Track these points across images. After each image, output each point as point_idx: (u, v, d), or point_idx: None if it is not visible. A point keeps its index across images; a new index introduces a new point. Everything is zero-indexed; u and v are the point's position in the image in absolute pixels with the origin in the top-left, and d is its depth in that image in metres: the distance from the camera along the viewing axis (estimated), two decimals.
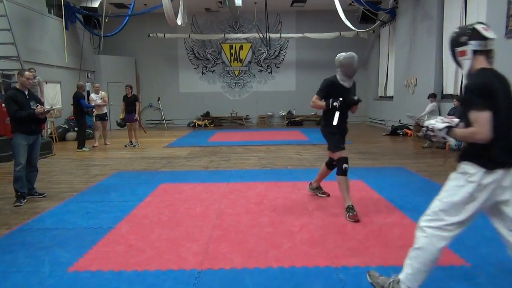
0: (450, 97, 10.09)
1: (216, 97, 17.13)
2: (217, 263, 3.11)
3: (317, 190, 5.08)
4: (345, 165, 4.25)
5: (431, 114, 10.07)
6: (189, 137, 12.68)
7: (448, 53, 2.49)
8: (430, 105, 10.02)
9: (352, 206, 4.17)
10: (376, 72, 15.93)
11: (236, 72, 17.25)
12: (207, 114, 17.05)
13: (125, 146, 10.37)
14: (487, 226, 3.83)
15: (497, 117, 2.19)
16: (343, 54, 4.28)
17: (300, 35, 15.71)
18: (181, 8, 11.58)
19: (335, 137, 4.40)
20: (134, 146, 10.29)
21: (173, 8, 10.82)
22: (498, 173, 2.23)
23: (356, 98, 4.32)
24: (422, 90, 11.24)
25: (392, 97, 14.15)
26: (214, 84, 17.30)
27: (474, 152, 2.29)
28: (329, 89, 4.31)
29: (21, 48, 9.55)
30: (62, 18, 12.34)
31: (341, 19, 13.21)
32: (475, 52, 2.33)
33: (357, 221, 4.03)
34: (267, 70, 17.24)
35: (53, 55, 12.19)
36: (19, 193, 4.98)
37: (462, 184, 2.34)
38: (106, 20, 13.26)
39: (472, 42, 2.32)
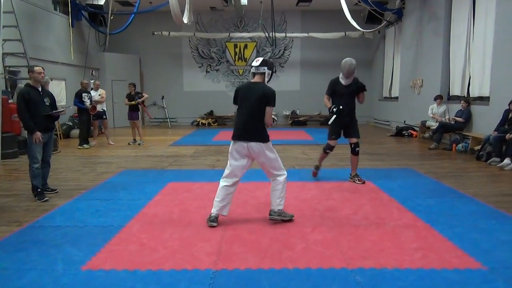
0: (456, 98, 10.06)
1: (220, 96, 17.07)
2: (231, 263, 3.09)
3: (355, 177, 5.89)
4: (328, 150, 5.84)
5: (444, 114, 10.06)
6: (193, 136, 12.66)
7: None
8: (444, 107, 10.04)
9: (319, 166, 6.03)
10: (381, 72, 15.88)
11: (241, 71, 17.21)
12: (211, 113, 17.02)
13: (129, 144, 10.37)
14: (501, 229, 3.84)
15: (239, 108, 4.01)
16: (345, 59, 5.51)
17: (305, 34, 15.66)
18: (187, 6, 11.55)
19: (331, 127, 5.73)
20: (138, 144, 10.28)
21: (179, 6, 10.79)
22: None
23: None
24: (428, 91, 11.20)
25: (397, 97, 14.11)
26: (218, 83, 17.27)
27: None
28: (333, 87, 5.63)
29: (27, 45, 9.54)
30: (68, 15, 12.33)
31: (347, 19, 13.18)
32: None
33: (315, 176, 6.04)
34: None
35: (59, 52, 12.18)
36: (39, 190, 4.98)
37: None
38: (112, 17, 13.23)
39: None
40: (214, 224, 3.96)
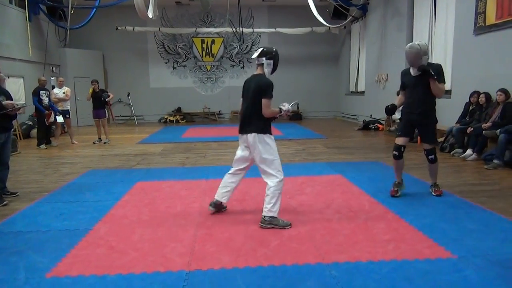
0: None
1: (187, 92, 16.84)
2: (205, 263, 3.01)
3: (434, 187, 4.87)
4: (394, 152, 4.73)
5: None
6: (161, 133, 12.40)
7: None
8: None
9: (397, 182, 4.79)
10: (347, 67, 16.14)
11: (208, 67, 17.02)
12: (178, 110, 16.74)
13: (94, 143, 10.03)
14: (468, 218, 3.96)
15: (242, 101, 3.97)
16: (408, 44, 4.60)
17: (273, 30, 15.65)
18: (151, 0, 11.25)
19: (400, 124, 4.94)
20: (104, 143, 9.95)
21: (143, 0, 10.49)
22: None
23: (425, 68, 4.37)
24: (393, 85, 11.45)
25: (363, 92, 14.39)
26: (185, 79, 17.00)
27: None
28: (402, 79, 4.75)
29: None
30: (24, 9, 11.72)
31: (313, 14, 13.29)
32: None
33: (393, 196, 4.66)
34: (239, 65, 17.11)
35: (15, 48, 11.56)
36: None
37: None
38: (72, 11, 12.70)
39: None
40: (212, 209, 4.15)
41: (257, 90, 3.77)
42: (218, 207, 4.18)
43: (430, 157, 4.73)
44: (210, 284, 2.71)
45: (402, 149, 4.68)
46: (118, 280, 2.78)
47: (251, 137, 3.79)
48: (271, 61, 3.85)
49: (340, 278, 2.74)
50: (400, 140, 4.69)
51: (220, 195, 4.11)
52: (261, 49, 3.91)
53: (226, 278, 2.78)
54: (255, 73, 3.94)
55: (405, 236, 3.48)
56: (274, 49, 3.93)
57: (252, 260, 3.06)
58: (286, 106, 3.94)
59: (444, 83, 4.56)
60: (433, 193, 4.81)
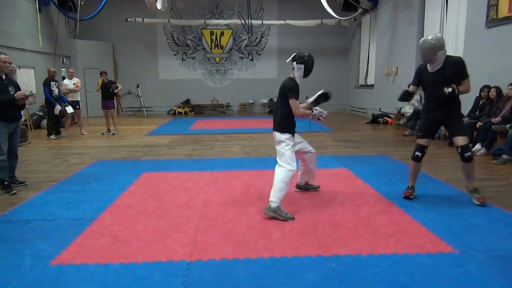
0: None
1: (196, 84, 16.86)
2: (206, 254, 3.04)
3: (473, 193, 4.32)
4: (417, 153, 4.39)
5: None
6: (169, 125, 12.46)
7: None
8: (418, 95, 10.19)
9: (412, 186, 4.51)
10: (357, 60, 15.98)
11: (217, 59, 17.00)
12: (187, 102, 16.78)
13: (102, 134, 10.12)
14: (472, 213, 3.93)
15: None
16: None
17: (282, 22, 15.55)
18: None
19: (420, 123, 4.64)
20: (113, 134, 10.04)
21: None
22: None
23: (446, 90, 4.02)
24: (403, 78, 11.32)
25: (372, 85, 14.25)
26: (194, 71, 17.01)
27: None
28: (419, 76, 4.38)
29: None
30: (34, 0, 11.79)
31: (323, 6, 13.16)
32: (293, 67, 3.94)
33: (407, 197, 4.39)
34: (248, 57, 17.06)
35: (26, 39, 11.68)
36: (5, 183, 4.78)
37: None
38: (82, 3, 12.75)
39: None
40: (297, 189, 4.71)
41: (282, 91, 3.92)
42: (303, 188, 4.71)
43: (466, 154, 4.11)
44: (210, 275, 2.74)
45: (426, 150, 4.38)
46: (120, 268, 2.83)
47: (274, 134, 4.03)
48: (302, 66, 3.88)
49: (340, 271, 2.75)
50: (423, 141, 4.35)
51: (299, 178, 4.63)
52: (294, 53, 3.96)
53: (227, 269, 2.81)
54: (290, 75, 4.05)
55: (408, 230, 3.46)
56: (307, 54, 3.94)
57: (253, 251, 3.08)
58: (319, 109, 4.10)
59: (468, 76, 4.23)
60: (475, 201, 4.20)
